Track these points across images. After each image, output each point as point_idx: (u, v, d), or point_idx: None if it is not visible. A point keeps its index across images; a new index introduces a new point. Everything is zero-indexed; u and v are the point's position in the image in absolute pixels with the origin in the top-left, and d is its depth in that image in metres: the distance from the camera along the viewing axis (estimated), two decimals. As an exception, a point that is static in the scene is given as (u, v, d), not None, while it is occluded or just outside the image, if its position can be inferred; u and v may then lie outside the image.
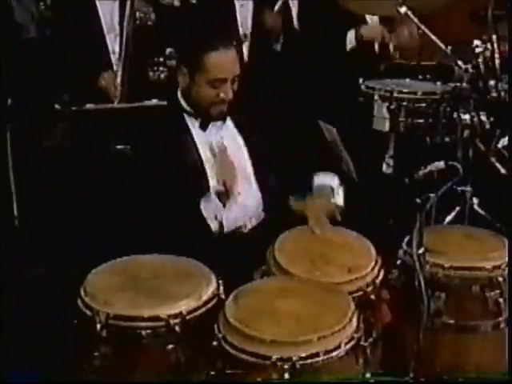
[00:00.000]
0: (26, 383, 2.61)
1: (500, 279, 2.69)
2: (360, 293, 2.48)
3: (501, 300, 2.70)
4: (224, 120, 2.94)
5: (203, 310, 2.33)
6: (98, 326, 2.26)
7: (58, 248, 3.56)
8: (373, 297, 2.51)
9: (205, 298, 2.35)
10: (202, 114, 2.90)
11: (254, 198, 2.98)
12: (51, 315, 3.05)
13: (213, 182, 2.86)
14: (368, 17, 4.46)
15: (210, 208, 2.81)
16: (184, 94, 2.92)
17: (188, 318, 2.29)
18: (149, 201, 2.79)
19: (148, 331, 2.27)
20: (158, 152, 2.82)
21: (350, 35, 4.36)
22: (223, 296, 2.40)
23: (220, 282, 2.44)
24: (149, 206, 2.79)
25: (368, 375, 2.30)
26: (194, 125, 2.92)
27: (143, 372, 2.28)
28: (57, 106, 3.42)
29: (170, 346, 2.27)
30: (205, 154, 2.90)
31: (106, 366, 2.27)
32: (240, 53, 3.74)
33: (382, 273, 2.60)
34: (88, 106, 3.40)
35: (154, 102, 3.37)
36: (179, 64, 2.94)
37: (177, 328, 2.26)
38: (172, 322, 2.27)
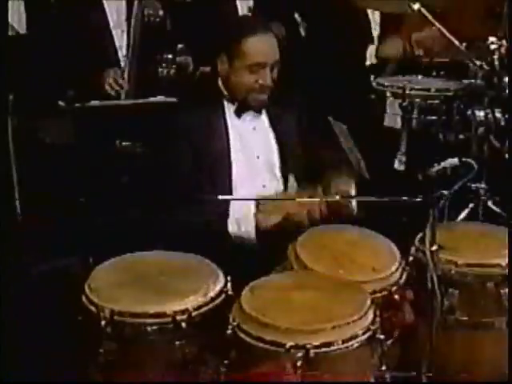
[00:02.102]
0: (30, 382, 2.59)
1: (514, 276, 2.64)
2: (384, 292, 2.45)
3: (515, 297, 2.65)
4: (260, 112, 2.93)
5: (210, 306, 2.29)
6: (103, 323, 2.22)
7: (61, 245, 3.54)
8: (397, 297, 2.48)
9: (212, 294, 2.31)
10: (240, 101, 2.89)
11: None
12: (55, 312, 3.04)
13: (236, 169, 2.86)
14: None
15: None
16: (224, 82, 2.91)
17: (194, 314, 2.25)
18: (161, 194, 2.78)
19: (154, 327, 2.23)
20: (185, 139, 2.83)
21: (370, 52, 4.31)
22: (231, 292, 2.36)
23: (228, 278, 2.39)
24: (162, 198, 2.77)
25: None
26: (230, 111, 2.91)
27: (149, 369, 2.25)
28: (61, 102, 3.41)
29: (177, 343, 2.23)
30: (234, 141, 2.89)
31: (110, 362, 2.24)
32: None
33: (405, 274, 2.56)
34: (93, 102, 3.39)
35: (161, 98, 3.35)
36: (219, 52, 2.91)
37: (183, 324, 2.22)
38: (178, 318, 2.23)
